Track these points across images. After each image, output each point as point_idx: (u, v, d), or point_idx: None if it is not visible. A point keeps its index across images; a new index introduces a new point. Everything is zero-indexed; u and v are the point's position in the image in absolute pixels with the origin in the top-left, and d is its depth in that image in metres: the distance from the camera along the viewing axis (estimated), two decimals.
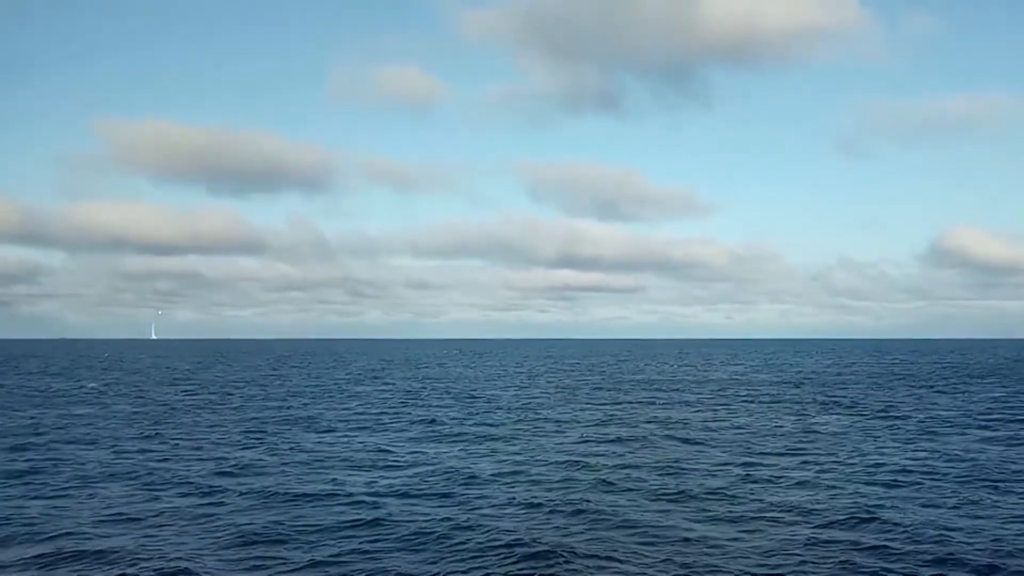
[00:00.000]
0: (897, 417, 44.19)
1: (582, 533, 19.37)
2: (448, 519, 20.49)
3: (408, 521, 20.41)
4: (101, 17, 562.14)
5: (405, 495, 23.75)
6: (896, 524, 19.84)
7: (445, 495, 23.75)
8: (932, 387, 68.68)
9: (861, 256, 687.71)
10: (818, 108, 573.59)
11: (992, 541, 18.27)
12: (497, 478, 26.18)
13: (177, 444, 34.05)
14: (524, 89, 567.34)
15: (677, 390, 67.05)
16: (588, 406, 51.72)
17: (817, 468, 27.93)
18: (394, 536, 19.26)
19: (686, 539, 18.86)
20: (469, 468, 27.83)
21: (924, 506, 21.97)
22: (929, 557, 17.21)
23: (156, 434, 37.36)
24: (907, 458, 29.92)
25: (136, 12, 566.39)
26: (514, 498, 23.17)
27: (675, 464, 28.77)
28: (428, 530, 19.59)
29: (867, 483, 25.22)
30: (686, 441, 35.15)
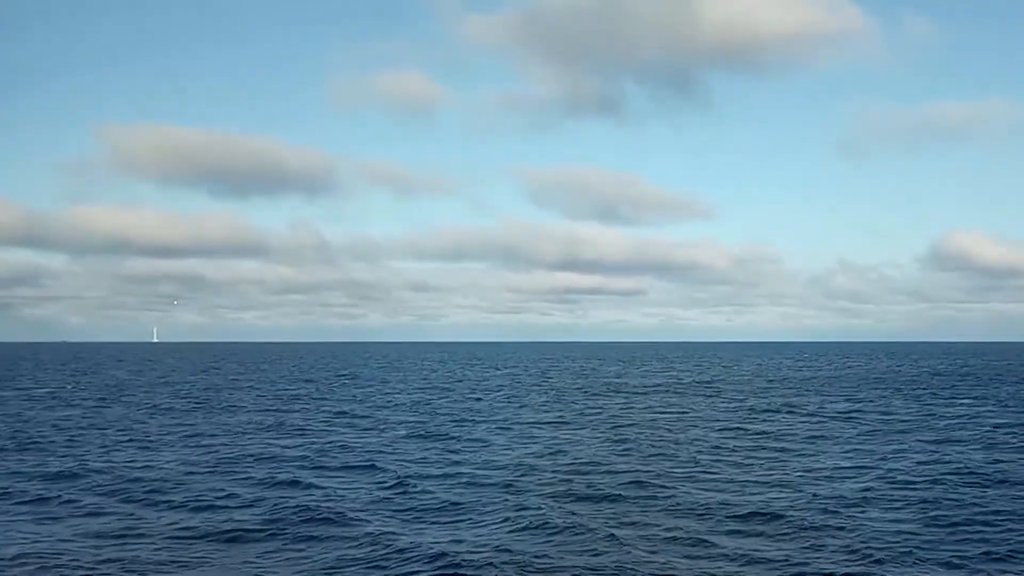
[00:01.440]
0: (852, 421, 44.13)
1: (482, 539, 19.38)
2: (365, 527, 20.39)
3: (331, 537, 19.79)
4: (102, 23, 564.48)
5: (331, 499, 23.67)
6: (784, 531, 19.85)
7: (368, 501, 23.64)
8: (903, 391, 68.51)
9: (862, 259, 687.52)
10: (819, 112, 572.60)
11: (871, 546, 18.24)
12: (419, 481, 26.18)
13: (106, 448, 34.05)
14: (525, 93, 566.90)
15: (645, 394, 66.99)
16: (552, 410, 51.73)
17: (735, 471, 27.97)
18: (302, 549, 18.95)
19: (593, 539, 18.89)
20: (396, 473, 27.77)
21: (818, 511, 21.80)
22: (800, 565, 17.21)
23: (82, 437, 37.46)
24: (836, 462, 29.87)
25: (137, 17, 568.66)
26: (432, 503, 23.26)
27: (596, 466, 28.79)
28: (348, 540, 19.34)
29: (774, 485, 25.22)
30: (619, 442, 35.24)
